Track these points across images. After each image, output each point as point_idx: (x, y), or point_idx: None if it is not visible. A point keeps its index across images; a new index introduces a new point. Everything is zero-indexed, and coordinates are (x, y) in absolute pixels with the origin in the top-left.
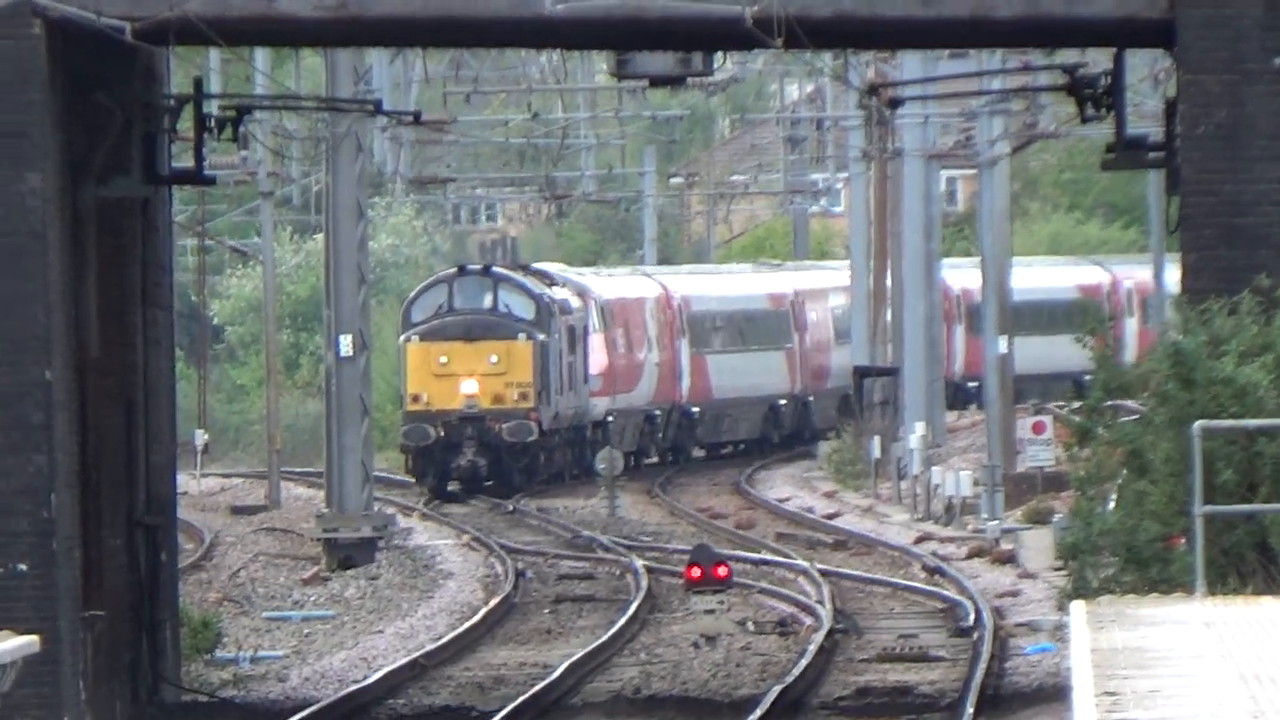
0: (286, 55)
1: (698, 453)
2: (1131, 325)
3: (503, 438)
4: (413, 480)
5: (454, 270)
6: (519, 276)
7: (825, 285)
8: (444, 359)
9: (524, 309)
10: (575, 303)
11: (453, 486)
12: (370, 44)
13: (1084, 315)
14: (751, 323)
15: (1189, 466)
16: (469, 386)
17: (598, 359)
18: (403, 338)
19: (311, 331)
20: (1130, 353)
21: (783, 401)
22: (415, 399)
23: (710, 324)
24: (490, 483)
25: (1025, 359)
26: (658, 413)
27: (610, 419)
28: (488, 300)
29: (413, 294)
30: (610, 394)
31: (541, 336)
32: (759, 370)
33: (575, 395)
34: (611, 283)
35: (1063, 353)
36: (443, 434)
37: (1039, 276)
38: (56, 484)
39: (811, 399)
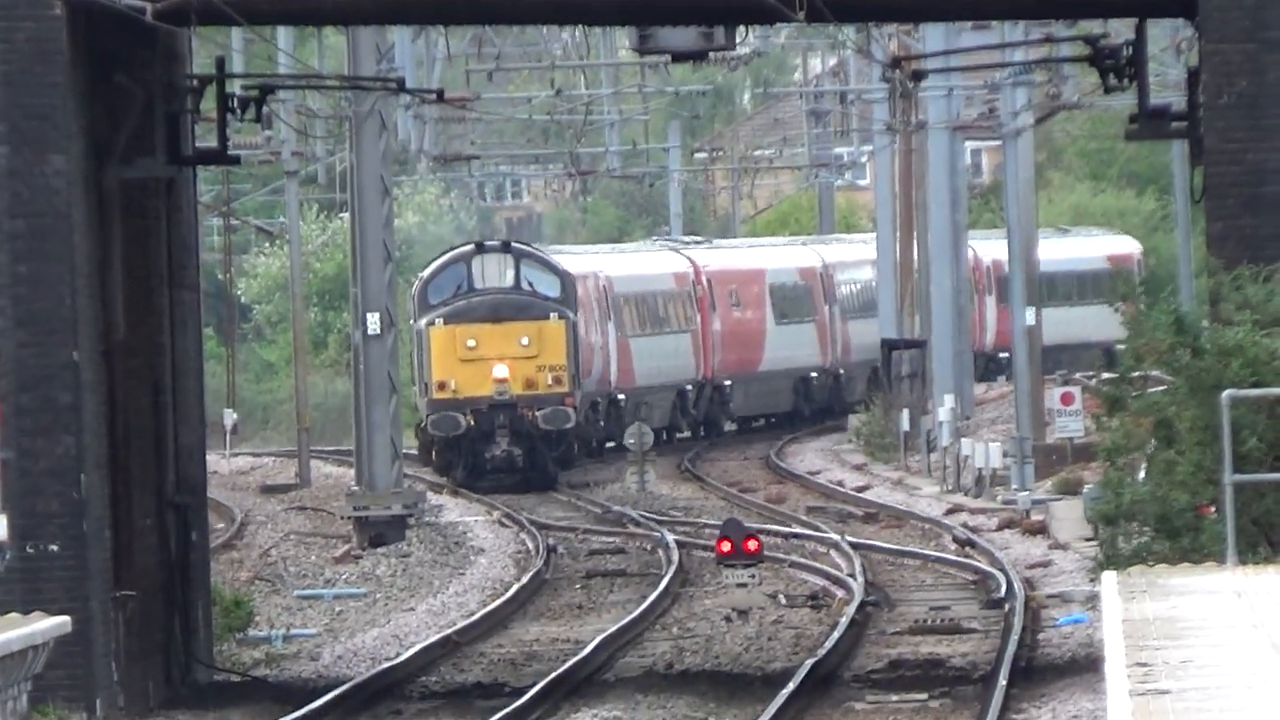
0: (309, 34)
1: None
2: (990, 303)
3: (538, 425)
4: (436, 474)
5: (471, 247)
6: (541, 252)
7: (760, 264)
8: (472, 342)
9: (549, 286)
10: None
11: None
12: (392, 21)
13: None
14: (659, 304)
15: (1215, 435)
16: (501, 371)
17: None
18: (423, 321)
19: (339, 310)
20: (991, 332)
21: (689, 387)
22: (442, 386)
23: (631, 306)
24: (531, 473)
25: (856, 344)
26: (599, 399)
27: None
28: (510, 278)
29: (427, 274)
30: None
31: (572, 315)
32: (670, 354)
33: None
34: (562, 261)
35: (867, 337)
36: (473, 423)
37: (856, 253)
38: (86, 465)
39: (728, 384)
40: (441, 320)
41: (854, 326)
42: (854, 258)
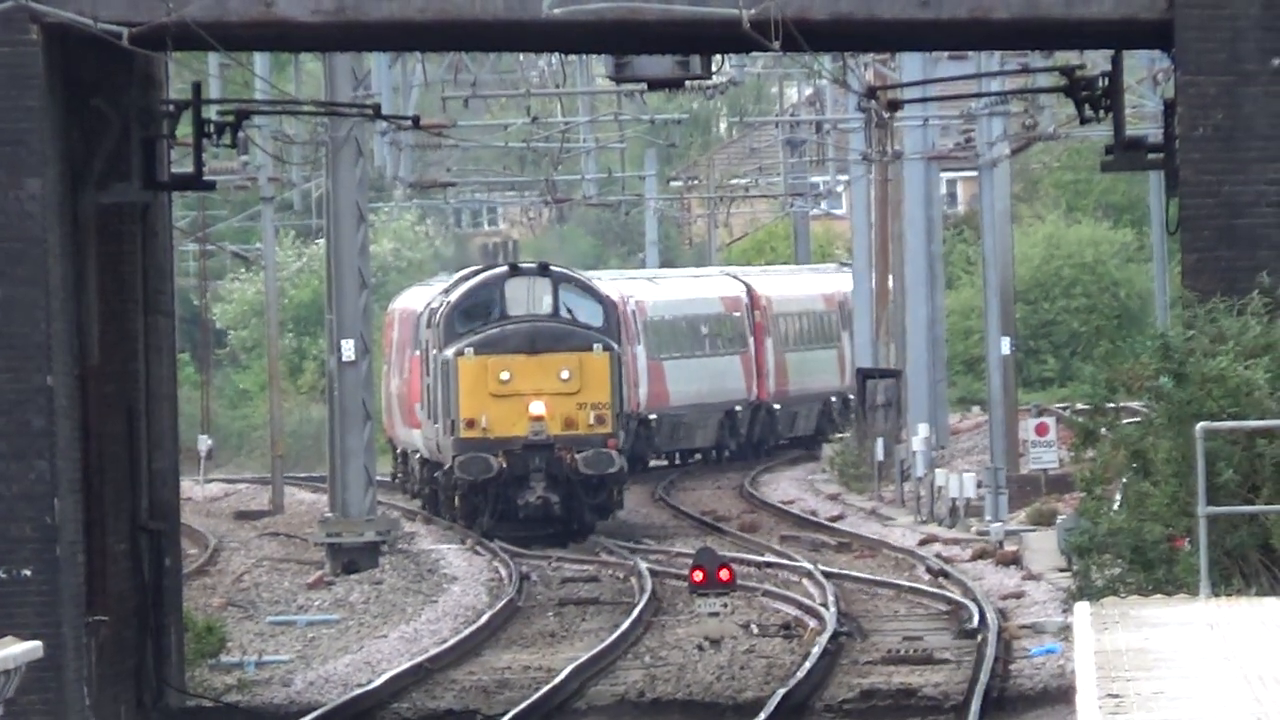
0: (286, 60)
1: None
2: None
3: (577, 469)
4: (447, 519)
5: (504, 270)
6: (582, 276)
7: None
8: (505, 375)
9: (591, 314)
10: None
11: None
12: (369, 48)
13: (730, 334)
14: None
15: (1190, 467)
16: (537, 408)
17: None
18: (450, 350)
19: (314, 336)
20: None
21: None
22: (471, 424)
23: None
24: (570, 525)
25: (683, 389)
26: None
27: None
28: (547, 304)
29: (454, 299)
30: None
31: (616, 346)
32: None
33: None
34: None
35: (714, 378)
36: (505, 465)
37: (681, 289)
38: (59, 489)
39: None
40: (471, 350)
41: (685, 367)
42: (688, 293)
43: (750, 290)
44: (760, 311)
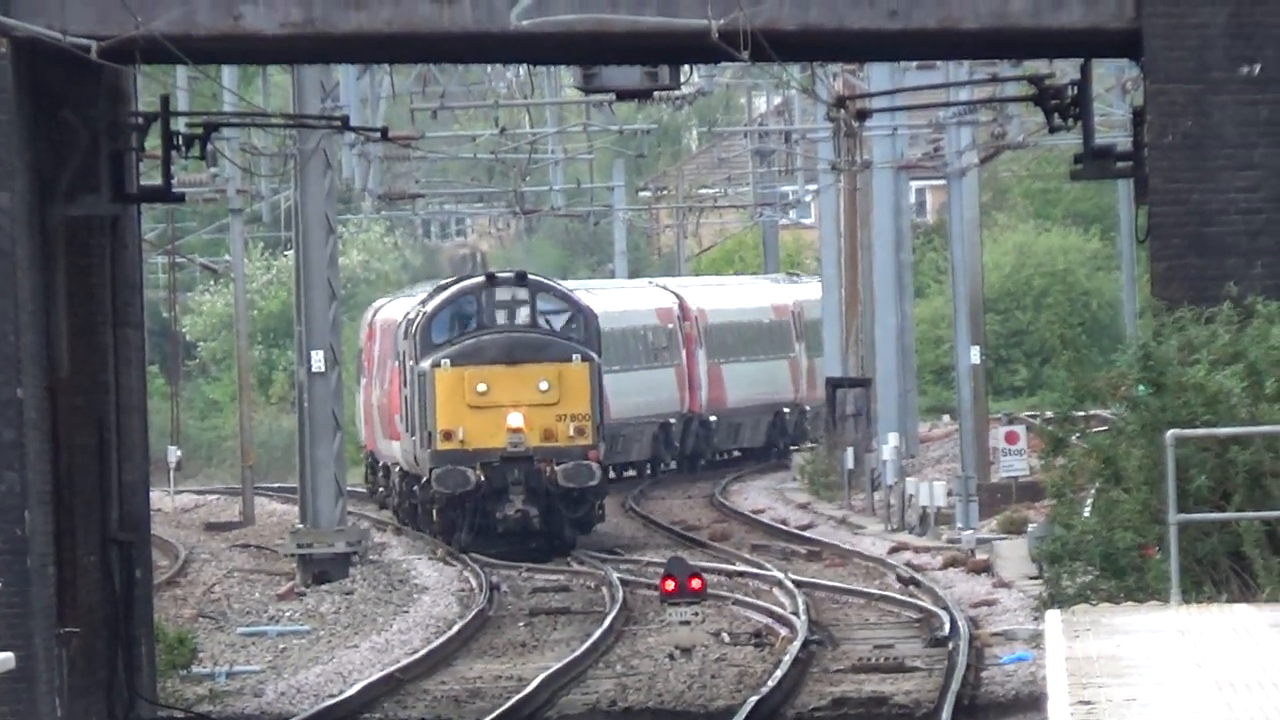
0: (253, 72)
1: None
2: (701, 356)
3: (557, 482)
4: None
5: (481, 280)
6: (561, 286)
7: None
8: (483, 387)
9: (570, 324)
10: None
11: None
12: (337, 60)
13: (664, 346)
14: None
15: (1162, 474)
16: (515, 420)
17: None
18: (426, 362)
19: (284, 347)
20: (704, 391)
21: None
22: (448, 436)
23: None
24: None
25: (622, 402)
26: None
27: None
28: (525, 314)
29: (430, 309)
30: None
31: (596, 357)
32: None
33: None
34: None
35: (649, 391)
36: (483, 478)
37: (617, 301)
38: (30, 502)
39: None
40: (448, 361)
41: (622, 380)
42: (623, 305)
43: (681, 302)
44: (690, 323)
